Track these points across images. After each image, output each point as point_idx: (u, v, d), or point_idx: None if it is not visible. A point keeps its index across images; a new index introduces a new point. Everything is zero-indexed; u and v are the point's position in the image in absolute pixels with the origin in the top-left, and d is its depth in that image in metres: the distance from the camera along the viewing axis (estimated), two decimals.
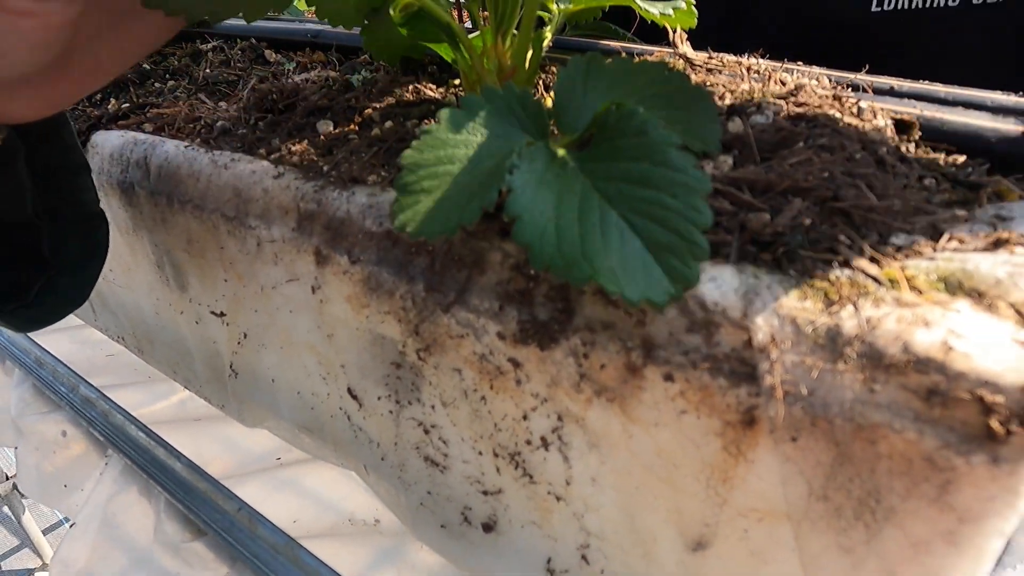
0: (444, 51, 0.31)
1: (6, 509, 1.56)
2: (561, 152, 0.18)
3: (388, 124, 0.29)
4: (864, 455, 0.14)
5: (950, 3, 0.42)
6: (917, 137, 0.24)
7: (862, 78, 0.33)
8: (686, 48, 0.30)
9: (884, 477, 0.14)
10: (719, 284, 0.17)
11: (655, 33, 0.39)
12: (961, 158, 0.23)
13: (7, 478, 1.37)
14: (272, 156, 0.29)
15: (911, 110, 0.25)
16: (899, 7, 0.44)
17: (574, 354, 0.19)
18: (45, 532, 1.54)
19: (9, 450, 1.52)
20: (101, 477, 0.35)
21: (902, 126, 0.24)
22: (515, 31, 0.26)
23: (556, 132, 0.20)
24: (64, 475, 0.39)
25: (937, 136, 0.24)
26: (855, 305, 0.15)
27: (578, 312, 0.19)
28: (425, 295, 0.22)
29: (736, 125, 0.21)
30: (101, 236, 0.31)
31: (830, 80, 0.32)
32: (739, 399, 0.16)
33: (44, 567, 1.48)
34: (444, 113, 0.20)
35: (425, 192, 0.19)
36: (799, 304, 0.15)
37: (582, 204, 0.17)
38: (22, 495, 1.40)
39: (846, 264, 0.16)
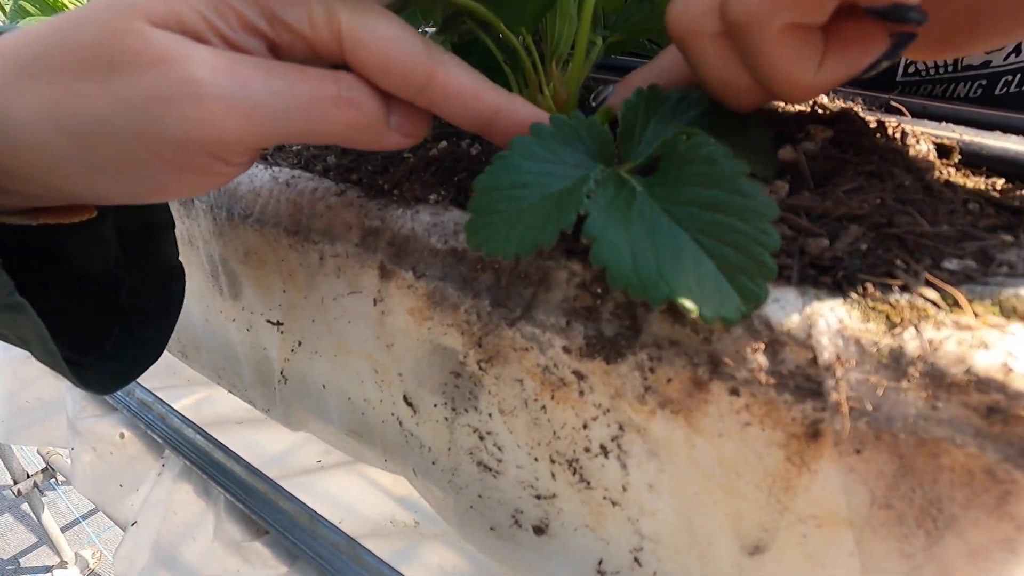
0: (498, 77, 0.33)
1: (25, 506, 1.59)
2: (629, 178, 0.20)
3: (443, 144, 0.30)
4: (927, 467, 0.15)
5: (971, 95, 0.43)
6: (957, 161, 0.25)
7: (895, 98, 0.34)
8: None
9: (946, 487, 0.15)
10: (783, 305, 0.18)
11: None
12: (1000, 182, 0.24)
13: (27, 476, 1.39)
14: (330, 173, 0.31)
15: (950, 135, 0.26)
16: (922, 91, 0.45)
17: (640, 368, 0.20)
18: (63, 530, 1.56)
19: (29, 449, 1.54)
20: (159, 478, 0.37)
21: (943, 150, 0.25)
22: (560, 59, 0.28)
23: (619, 158, 0.21)
24: (120, 475, 0.41)
25: (976, 160, 0.25)
26: (916, 327, 0.16)
27: (645, 329, 0.20)
28: (491, 310, 0.23)
29: (787, 152, 0.22)
30: (177, 289, 0.32)
31: (864, 100, 0.33)
32: (804, 413, 0.17)
33: (62, 564, 1.50)
34: (516, 140, 0.21)
35: (499, 214, 0.20)
36: (862, 326, 0.17)
37: (654, 227, 0.18)
38: (41, 492, 1.42)
39: (905, 288, 0.17)
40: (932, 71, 0.45)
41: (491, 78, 0.33)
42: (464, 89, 0.22)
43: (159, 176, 0.20)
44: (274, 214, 0.31)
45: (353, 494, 0.40)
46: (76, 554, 1.53)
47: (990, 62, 0.43)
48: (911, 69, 0.45)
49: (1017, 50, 0.42)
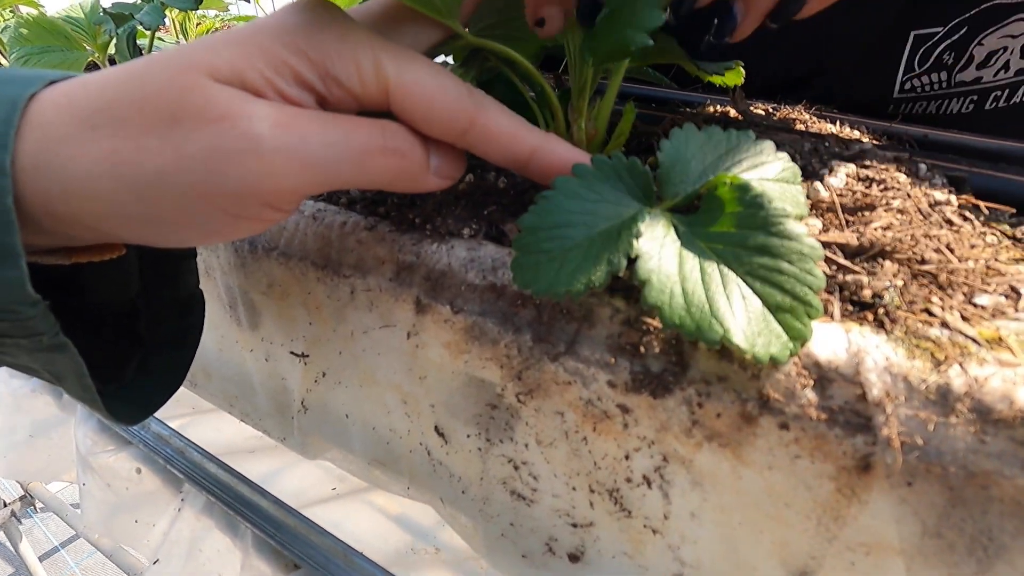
0: (524, 112, 0.33)
1: (2, 535, 1.53)
2: (672, 217, 0.20)
3: (469, 177, 0.31)
4: (977, 498, 0.16)
5: (963, 110, 0.45)
6: (968, 192, 0.26)
7: (896, 127, 0.35)
8: (744, 105, 0.32)
9: (996, 517, 0.16)
10: (830, 342, 0.19)
11: (684, 78, 0.41)
12: (1010, 210, 0.25)
13: (4, 504, 1.35)
14: (356, 207, 0.31)
15: (960, 167, 0.27)
16: (918, 111, 0.47)
17: (687, 403, 0.21)
18: (42, 559, 1.51)
19: (7, 481, 1.49)
20: (179, 513, 0.36)
21: (954, 182, 0.26)
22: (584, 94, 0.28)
23: (659, 197, 0.22)
24: (136, 511, 0.40)
25: (985, 193, 0.26)
26: (961, 365, 0.17)
27: (692, 365, 0.20)
28: (532, 345, 0.24)
29: (819, 191, 0.23)
30: (196, 318, 0.32)
31: (867, 129, 0.34)
32: (855, 447, 0.18)
33: None
34: (559, 180, 0.21)
35: (545, 253, 0.21)
36: (908, 363, 0.17)
37: (704, 267, 0.19)
38: (19, 520, 1.38)
39: (944, 325, 0.18)
40: (928, 87, 0.47)
41: (518, 111, 0.34)
42: (503, 132, 0.22)
43: (212, 224, 0.21)
44: (301, 247, 0.31)
45: (370, 523, 0.40)
46: None
47: (981, 78, 0.45)
48: (907, 86, 0.47)
49: (1005, 67, 0.44)
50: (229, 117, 0.19)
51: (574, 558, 0.28)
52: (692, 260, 0.19)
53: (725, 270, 0.19)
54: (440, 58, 0.29)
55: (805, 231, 0.18)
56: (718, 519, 0.22)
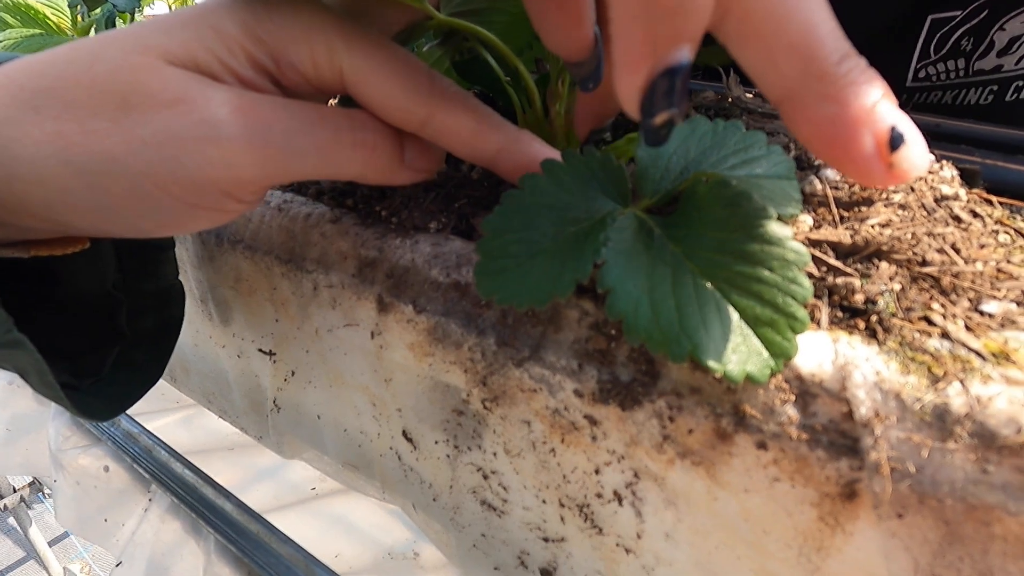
0: (501, 95, 0.31)
1: (12, 521, 1.56)
2: (647, 219, 0.18)
3: (442, 167, 0.29)
4: (977, 535, 0.14)
5: (981, 101, 0.42)
6: (981, 186, 0.24)
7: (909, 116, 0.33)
8: (739, 91, 0.30)
9: (998, 558, 0.14)
10: (814, 353, 0.17)
11: None
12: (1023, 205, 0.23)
13: (14, 490, 1.36)
14: (324, 198, 0.29)
15: (973, 159, 0.25)
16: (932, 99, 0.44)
17: (658, 416, 0.19)
18: (51, 544, 1.53)
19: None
20: (146, 514, 0.35)
21: (966, 176, 0.24)
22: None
23: (636, 195, 0.20)
24: (105, 510, 0.39)
25: (999, 187, 0.24)
26: (962, 382, 0.15)
27: (663, 375, 0.19)
28: (497, 349, 0.22)
29: (812, 184, 0.21)
30: (176, 310, 0.31)
31: None
32: (839, 472, 0.16)
33: None
34: (526, 179, 0.20)
35: (511, 258, 0.19)
36: (902, 378, 0.15)
37: (675, 276, 0.17)
38: (28, 506, 1.40)
39: (945, 336, 0.16)
40: (943, 76, 0.44)
41: (495, 95, 0.32)
42: (463, 128, 0.21)
43: (167, 213, 0.20)
44: (266, 240, 0.29)
45: (350, 523, 0.39)
46: (65, 568, 1.51)
47: (1002, 67, 0.42)
48: (921, 74, 0.44)
49: None
50: (186, 101, 0.18)
51: (546, 573, 0.27)
52: (664, 267, 0.17)
53: (699, 279, 0.17)
54: None
55: (790, 234, 0.16)
56: (694, 541, 0.20)
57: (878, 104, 0.14)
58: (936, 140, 0.30)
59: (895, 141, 0.14)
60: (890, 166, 0.14)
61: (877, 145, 0.14)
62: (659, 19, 0.13)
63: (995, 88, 0.43)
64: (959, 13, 0.40)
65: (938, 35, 0.42)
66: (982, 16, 0.40)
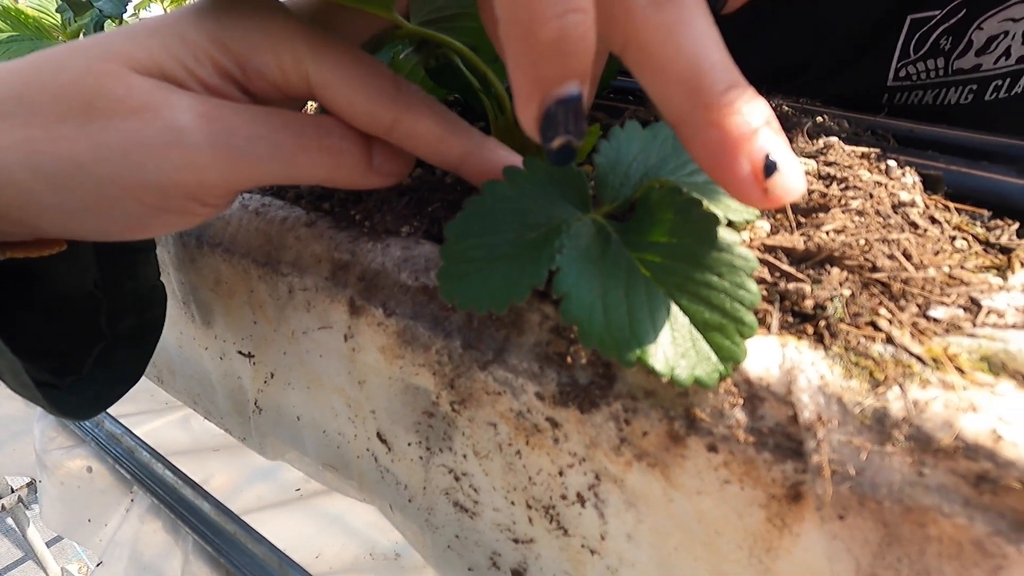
0: (473, 100, 0.32)
1: (10, 521, 1.56)
2: (604, 224, 0.19)
3: (417, 171, 0.29)
4: (914, 537, 0.15)
5: (961, 101, 0.43)
6: (944, 192, 0.24)
7: (881, 121, 0.33)
8: None
9: (934, 559, 0.14)
10: (763, 358, 0.17)
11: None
12: (987, 213, 0.23)
13: (12, 491, 1.37)
14: (301, 201, 0.30)
15: (937, 165, 0.25)
16: (915, 100, 0.44)
17: (615, 419, 0.19)
18: (49, 544, 1.54)
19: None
20: (127, 514, 0.35)
21: (929, 182, 0.24)
22: None
23: (596, 202, 0.20)
24: (88, 510, 0.39)
25: (963, 192, 0.24)
26: (901, 387, 0.15)
27: (619, 378, 0.19)
28: (462, 352, 0.22)
29: None
30: (158, 310, 0.31)
31: (849, 123, 0.32)
32: (784, 474, 0.16)
33: None
34: (488, 185, 0.20)
35: (472, 262, 0.19)
36: (844, 383, 0.16)
37: (628, 281, 0.17)
38: (26, 506, 1.40)
39: (889, 341, 0.16)
40: (924, 75, 0.44)
41: (466, 99, 0.32)
42: (429, 133, 0.21)
43: (134, 217, 0.20)
44: (244, 244, 0.30)
45: (332, 524, 0.39)
46: (63, 569, 1.51)
47: (980, 66, 0.42)
48: (902, 73, 0.44)
49: (1006, 54, 0.41)
50: (151, 108, 0.18)
51: (517, 574, 0.27)
52: (617, 272, 0.18)
53: (652, 284, 0.17)
54: None
55: (738, 240, 0.17)
56: (654, 542, 0.21)
57: (758, 131, 0.14)
58: (910, 146, 0.30)
59: (768, 168, 0.14)
60: (765, 191, 0.14)
61: (753, 171, 0.14)
62: (540, 62, 0.14)
63: (974, 88, 0.43)
64: (937, 12, 0.41)
65: (918, 34, 0.42)
66: (960, 16, 0.40)
